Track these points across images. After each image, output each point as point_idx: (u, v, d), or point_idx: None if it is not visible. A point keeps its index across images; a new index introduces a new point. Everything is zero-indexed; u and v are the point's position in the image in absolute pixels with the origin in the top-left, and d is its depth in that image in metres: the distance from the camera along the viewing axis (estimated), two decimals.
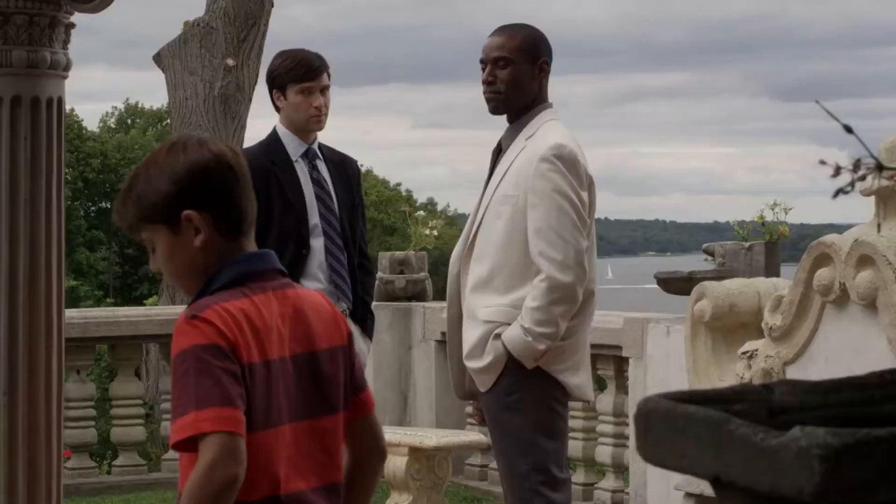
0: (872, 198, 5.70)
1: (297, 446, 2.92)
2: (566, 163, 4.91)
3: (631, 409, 8.40)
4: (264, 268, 2.98)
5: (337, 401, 3.00)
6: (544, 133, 4.98)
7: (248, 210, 2.97)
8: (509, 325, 4.91)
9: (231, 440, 2.74)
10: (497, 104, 5.03)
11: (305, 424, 2.94)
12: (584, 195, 4.96)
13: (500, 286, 4.94)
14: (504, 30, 5.11)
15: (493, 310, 4.95)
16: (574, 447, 9.01)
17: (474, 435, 8.21)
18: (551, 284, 4.85)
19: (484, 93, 5.05)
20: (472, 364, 4.98)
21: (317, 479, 2.95)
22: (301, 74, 5.66)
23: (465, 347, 4.99)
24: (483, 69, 5.06)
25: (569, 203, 4.89)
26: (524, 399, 4.95)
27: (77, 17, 4.32)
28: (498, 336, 4.92)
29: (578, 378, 5.04)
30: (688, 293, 6.68)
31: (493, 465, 7.33)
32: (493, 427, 5.03)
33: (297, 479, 2.91)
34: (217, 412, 2.75)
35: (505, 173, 4.99)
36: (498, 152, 5.13)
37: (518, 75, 4.99)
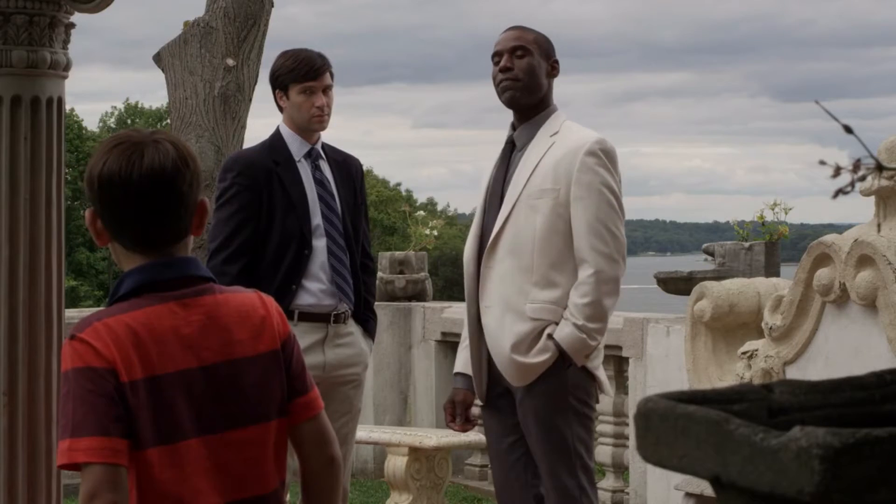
0: (872, 198, 5.71)
1: (210, 460, 2.85)
2: (610, 157, 4.98)
3: (631, 409, 8.40)
4: (168, 276, 2.87)
5: (265, 409, 2.92)
6: (573, 129, 5.03)
7: (138, 230, 2.87)
8: (555, 322, 4.93)
9: (105, 471, 2.71)
10: (514, 92, 5.01)
11: (218, 437, 2.87)
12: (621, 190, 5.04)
13: (540, 279, 4.94)
14: (518, 27, 5.18)
15: (539, 307, 4.94)
16: None
17: (474, 435, 8.21)
18: (601, 277, 4.88)
19: (500, 82, 5.03)
20: (519, 358, 4.95)
21: (235, 493, 2.88)
22: (303, 74, 5.65)
23: (511, 340, 4.95)
24: (496, 62, 5.06)
25: (614, 197, 4.97)
26: (573, 398, 4.98)
27: (77, 17, 4.32)
28: (549, 336, 4.92)
29: (603, 373, 5.15)
30: (688, 293, 6.68)
31: None
32: (539, 427, 4.98)
33: (209, 495, 2.85)
34: (90, 442, 2.72)
35: (535, 168, 4.98)
36: (510, 151, 5.12)
37: (535, 66, 5.03)
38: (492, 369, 5.06)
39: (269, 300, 3.01)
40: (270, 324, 2.95)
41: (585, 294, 4.88)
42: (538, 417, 4.97)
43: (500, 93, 5.04)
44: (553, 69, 5.10)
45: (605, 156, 4.96)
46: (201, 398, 2.85)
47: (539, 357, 4.93)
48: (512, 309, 4.96)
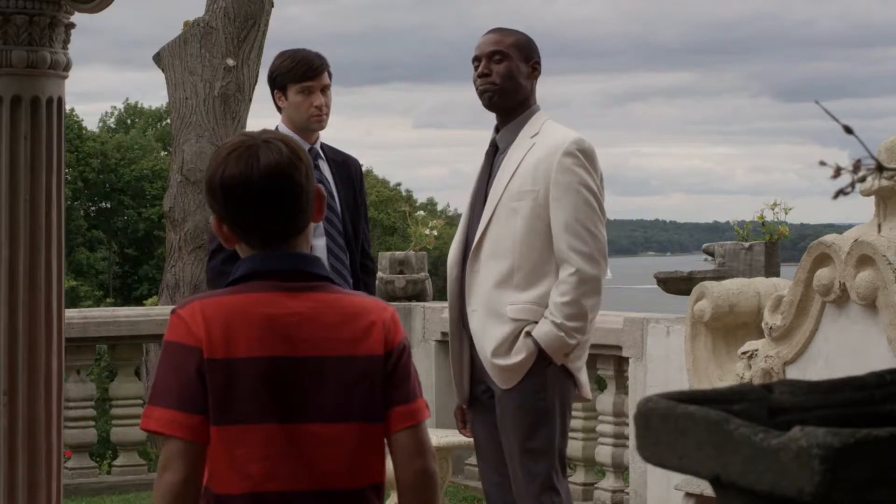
0: (872, 198, 5.71)
1: (290, 447, 2.95)
2: (588, 157, 4.98)
3: (631, 409, 8.40)
4: (280, 267, 3.00)
5: (351, 409, 2.99)
6: (553, 130, 5.04)
7: (262, 227, 3.00)
8: (536, 322, 4.93)
9: (178, 445, 2.89)
10: (492, 95, 5.07)
11: (301, 427, 2.96)
12: (603, 190, 5.03)
13: (521, 282, 4.96)
14: (498, 29, 5.20)
15: (520, 307, 4.96)
16: (574, 447, 9.00)
17: None
18: (581, 277, 4.89)
19: (479, 86, 5.10)
20: (499, 361, 4.97)
21: (311, 483, 2.96)
22: (301, 74, 5.65)
23: (491, 345, 4.98)
24: (476, 67, 5.11)
25: (593, 196, 4.96)
26: (551, 397, 4.98)
27: (77, 17, 4.32)
28: (528, 334, 4.92)
29: (585, 376, 5.11)
30: (688, 293, 6.68)
31: None
32: (517, 425, 5.00)
33: (284, 479, 2.95)
34: (164, 413, 2.90)
35: (515, 170, 5.00)
36: (494, 153, 5.14)
37: (513, 70, 5.06)
38: (474, 369, 5.09)
39: (388, 310, 3.10)
40: (377, 330, 3.03)
41: (565, 293, 4.89)
42: (516, 415, 4.98)
43: (480, 96, 5.10)
44: (534, 70, 5.11)
45: (583, 155, 4.96)
46: (287, 386, 2.95)
47: (518, 357, 4.94)
48: (494, 313, 4.98)
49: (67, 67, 4.30)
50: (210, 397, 2.91)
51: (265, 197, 2.97)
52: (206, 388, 2.90)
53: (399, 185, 59.60)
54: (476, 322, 5.03)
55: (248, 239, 3.02)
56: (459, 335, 5.11)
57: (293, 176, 2.99)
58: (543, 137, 5.01)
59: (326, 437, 2.98)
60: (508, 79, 5.05)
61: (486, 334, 4.99)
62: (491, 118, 5.20)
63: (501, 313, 4.96)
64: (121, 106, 60.03)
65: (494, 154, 5.14)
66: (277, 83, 5.72)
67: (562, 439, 5.05)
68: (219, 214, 3.02)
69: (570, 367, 5.00)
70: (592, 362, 8.84)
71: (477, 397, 5.13)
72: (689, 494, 6.38)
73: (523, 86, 5.07)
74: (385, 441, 3.06)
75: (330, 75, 5.75)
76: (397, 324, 3.09)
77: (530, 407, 4.98)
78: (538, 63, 5.13)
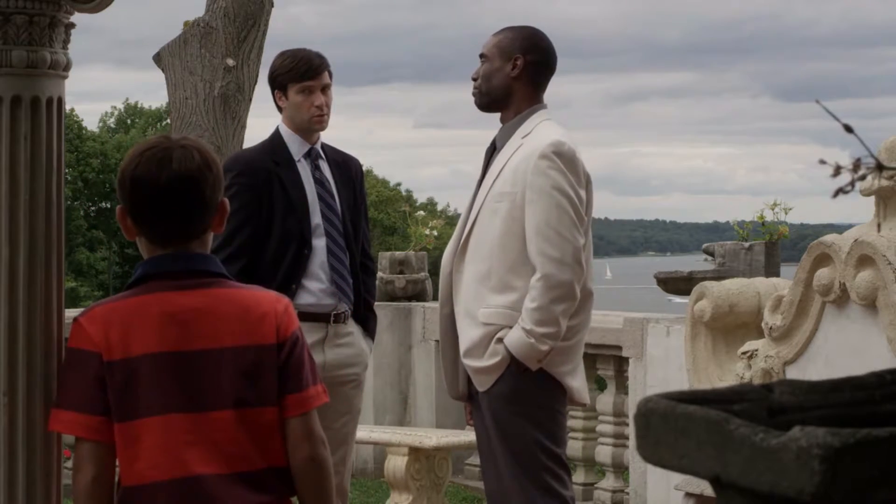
0: (872, 198, 5.71)
1: (195, 435, 3.14)
2: (565, 160, 4.92)
3: (631, 409, 8.40)
4: (175, 268, 3.18)
5: (246, 395, 3.17)
6: (541, 131, 5.00)
7: (162, 226, 3.19)
8: (510, 327, 4.90)
9: (87, 447, 3.14)
10: (475, 98, 5.15)
11: (203, 415, 3.14)
12: (583, 193, 4.96)
13: (497, 284, 4.94)
14: (500, 30, 5.20)
15: (492, 311, 4.93)
16: (574, 447, 9.01)
17: (474, 435, 8.21)
18: (549, 283, 4.84)
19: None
20: (471, 363, 4.96)
21: (217, 467, 3.15)
22: (301, 73, 5.65)
23: (464, 346, 4.98)
24: None
25: (567, 200, 4.89)
26: (529, 402, 4.94)
27: (77, 17, 4.32)
28: (500, 340, 4.90)
29: (578, 381, 5.03)
30: (688, 293, 6.68)
31: None
32: (497, 429, 5.00)
33: (193, 465, 3.13)
34: (69, 415, 3.15)
35: (500, 171, 5.00)
36: (492, 151, 5.14)
37: (489, 70, 5.10)
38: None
39: (283, 302, 3.26)
40: (269, 322, 3.20)
41: (534, 299, 4.86)
42: (495, 420, 4.97)
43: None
44: (515, 66, 5.06)
45: (559, 159, 4.91)
46: (183, 378, 3.14)
47: (489, 361, 4.92)
48: (469, 314, 4.98)
49: (67, 67, 4.30)
50: (112, 397, 3.11)
51: (168, 199, 3.16)
52: (107, 389, 3.10)
53: (399, 185, 59.62)
54: (458, 322, 5.04)
55: (148, 234, 3.20)
56: (452, 332, 5.11)
57: (199, 184, 3.17)
58: (531, 138, 4.99)
59: (227, 423, 3.16)
60: (485, 80, 5.10)
61: (462, 335, 5.00)
62: (490, 119, 5.21)
63: (475, 315, 4.96)
64: (121, 106, 60.06)
65: (492, 152, 5.14)
66: (278, 83, 5.72)
67: (552, 443, 4.98)
68: (124, 206, 3.21)
69: (553, 372, 4.95)
70: (592, 362, 8.84)
71: (473, 396, 5.12)
72: (689, 494, 6.38)
73: (503, 85, 5.07)
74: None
75: (330, 75, 5.74)
76: (291, 315, 3.25)
77: (507, 412, 4.95)
78: (520, 58, 5.06)
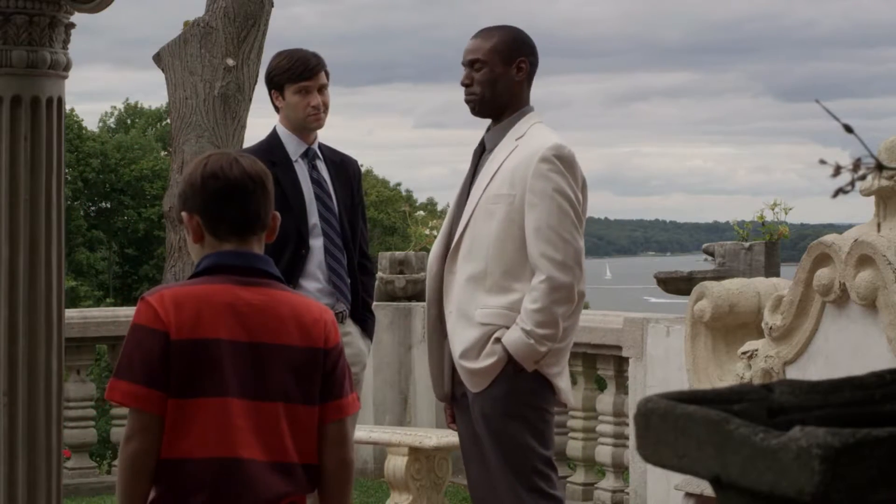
0: (872, 198, 5.70)
1: (243, 420, 3.35)
2: (565, 163, 4.92)
3: (631, 409, 8.40)
4: (237, 263, 3.41)
5: (293, 391, 3.40)
6: (537, 134, 4.98)
7: (231, 215, 3.42)
8: (507, 327, 4.90)
9: (140, 418, 3.30)
10: (475, 105, 5.07)
11: (252, 403, 3.37)
12: (580, 196, 4.97)
13: (493, 285, 4.93)
14: (481, 32, 5.14)
15: (490, 312, 4.93)
16: (574, 447, 9.00)
17: None
18: (552, 285, 4.84)
19: (464, 95, 5.09)
20: (467, 364, 4.95)
21: (259, 453, 3.36)
22: (298, 74, 5.65)
23: (460, 347, 4.97)
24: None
25: (568, 203, 4.90)
26: (522, 403, 4.94)
27: (77, 17, 4.32)
28: (497, 340, 4.90)
29: (565, 382, 5.04)
30: (688, 293, 6.68)
31: None
32: (489, 430, 4.99)
33: (236, 447, 3.34)
34: (128, 387, 3.29)
35: (495, 173, 4.98)
36: (481, 152, 5.12)
37: (492, 77, 5.03)
38: (455, 369, 5.07)
39: (331, 313, 3.53)
40: (319, 328, 3.45)
41: (536, 300, 4.85)
42: (487, 421, 4.97)
43: (466, 104, 5.09)
44: (520, 70, 5.04)
45: (559, 162, 4.90)
46: (243, 366, 3.36)
47: (486, 361, 4.91)
48: (464, 315, 4.97)
49: (67, 67, 4.30)
50: (174, 374, 3.30)
51: (238, 191, 3.41)
52: (169, 367, 3.29)
53: (399, 185, 59.58)
54: (450, 323, 5.02)
55: (214, 227, 3.42)
56: (439, 333, 5.10)
57: (264, 184, 3.45)
58: (526, 141, 4.97)
59: (275, 415, 3.38)
60: (489, 87, 5.02)
61: (456, 336, 4.99)
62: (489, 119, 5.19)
63: (471, 316, 4.95)
64: (121, 106, 60.01)
65: (481, 153, 5.13)
66: (274, 83, 5.72)
67: (542, 445, 4.98)
68: (193, 209, 3.43)
69: (545, 373, 4.94)
70: (592, 362, 8.84)
71: (457, 398, 5.11)
72: (689, 494, 6.38)
73: (508, 90, 5.03)
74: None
75: (327, 75, 5.74)
76: (336, 326, 3.53)
77: (500, 412, 4.95)
78: (524, 61, 5.05)
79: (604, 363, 8.77)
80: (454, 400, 5.13)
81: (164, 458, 3.32)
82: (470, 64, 5.06)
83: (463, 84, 5.08)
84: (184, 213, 3.45)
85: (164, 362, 3.29)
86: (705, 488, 6.04)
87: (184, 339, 3.29)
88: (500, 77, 5.02)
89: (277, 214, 3.50)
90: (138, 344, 3.30)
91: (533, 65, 5.09)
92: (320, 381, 3.44)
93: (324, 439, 3.44)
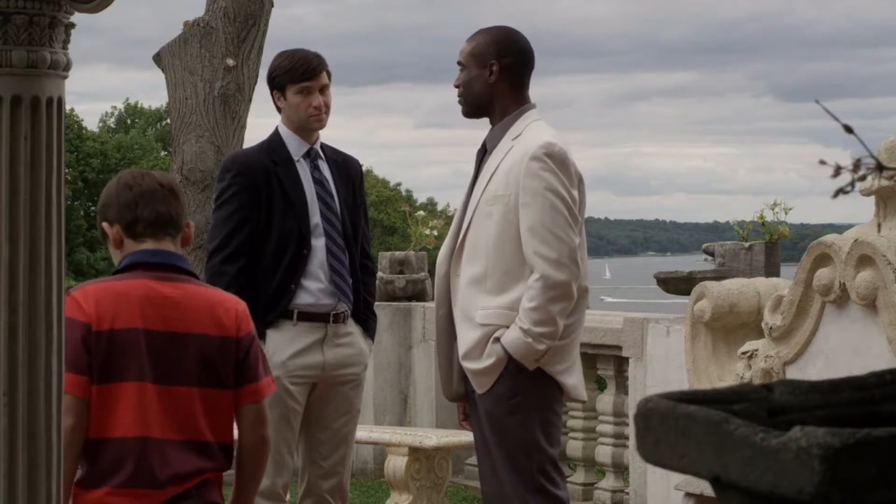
0: (872, 198, 5.71)
1: (159, 403, 3.76)
2: (556, 161, 4.93)
3: (631, 409, 8.40)
4: (154, 261, 3.81)
5: (206, 377, 3.80)
6: (531, 132, 5.00)
7: (144, 216, 3.83)
8: (507, 327, 4.91)
9: (71, 401, 3.61)
10: (461, 107, 5.17)
11: (166, 388, 3.77)
12: (575, 193, 4.97)
13: (494, 286, 4.94)
14: (473, 35, 5.19)
15: (490, 312, 4.94)
16: (574, 447, 9.01)
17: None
18: (547, 283, 4.85)
19: None
20: (470, 365, 4.97)
21: (173, 433, 3.75)
22: (299, 74, 5.65)
23: (462, 348, 4.98)
24: None
25: (561, 201, 4.91)
26: (526, 401, 4.94)
27: (77, 17, 4.32)
28: (497, 339, 4.91)
29: (574, 378, 5.04)
30: (688, 293, 6.68)
31: None
32: (493, 429, 5.00)
33: (153, 427, 3.73)
34: (67, 376, 3.55)
35: (493, 174, 5.00)
36: (483, 153, 5.15)
37: (468, 79, 5.12)
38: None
39: (243, 304, 3.94)
40: (231, 318, 3.85)
41: (532, 299, 4.87)
42: (492, 421, 4.98)
43: None
44: (492, 73, 5.06)
45: (550, 160, 4.92)
46: (159, 354, 3.75)
47: (486, 361, 4.92)
48: (466, 316, 4.98)
49: (67, 67, 4.30)
50: (95, 362, 3.71)
51: (149, 195, 3.82)
52: (92, 355, 3.70)
53: (399, 185, 59.60)
54: (456, 325, 5.04)
55: (131, 230, 3.83)
56: (448, 334, 5.11)
57: (174, 191, 3.89)
58: (521, 141, 5.00)
59: (188, 398, 3.77)
60: (466, 89, 5.12)
61: (460, 337, 5.01)
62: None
63: (472, 317, 4.96)
64: (121, 106, 60.03)
65: (483, 154, 5.15)
66: (276, 83, 5.72)
67: (548, 443, 4.99)
68: (112, 217, 3.85)
69: (550, 371, 4.96)
70: (592, 362, 8.84)
71: (470, 396, 5.12)
72: (689, 494, 6.38)
73: (485, 92, 5.08)
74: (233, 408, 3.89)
75: (329, 75, 5.74)
76: (248, 315, 3.93)
77: (504, 412, 4.96)
78: (496, 63, 5.05)
79: (604, 363, 8.78)
80: (467, 398, 5.14)
81: (89, 438, 3.72)
82: (459, 66, 5.17)
83: (454, 86, 5.19)
84: (104, 224, 3.85)
85: (89, 350, 3.70)
86: (705, 488, 6.04)
87: (104, 329, 3.70)
88: (475, 79, 5.10)
89: (191, 223, 3.91)
90: (69, 335, 3.57)
91: (509, 66, 5.06)
92: (234, 366, 3.84)
93: (242, 419, 3.88)
